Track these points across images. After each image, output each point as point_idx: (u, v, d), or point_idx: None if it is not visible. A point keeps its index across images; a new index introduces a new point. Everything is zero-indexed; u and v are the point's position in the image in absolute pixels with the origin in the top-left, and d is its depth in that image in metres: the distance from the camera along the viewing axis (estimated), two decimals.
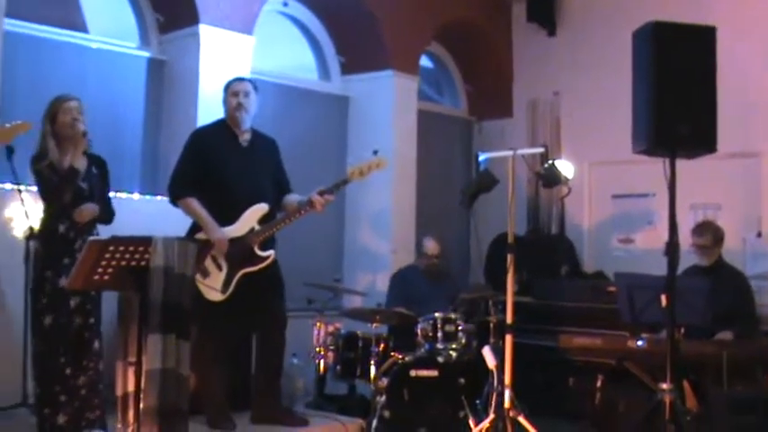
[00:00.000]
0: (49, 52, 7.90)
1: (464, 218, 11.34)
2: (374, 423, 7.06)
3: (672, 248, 5.99)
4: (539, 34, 11.30)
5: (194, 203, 6.62)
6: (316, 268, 9.31)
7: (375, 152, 7.02)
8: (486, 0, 11.31)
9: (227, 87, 6.93)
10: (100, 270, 4.94)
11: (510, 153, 6.94)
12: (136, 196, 7.91)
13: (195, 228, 6.66)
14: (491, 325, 7.77)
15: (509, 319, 6.75)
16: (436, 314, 7.69)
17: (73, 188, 6.01)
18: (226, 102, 6.91)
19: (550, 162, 7.38)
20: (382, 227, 10.00)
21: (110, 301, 6.16)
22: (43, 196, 6.12)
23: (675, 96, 5.85)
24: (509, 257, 6.76)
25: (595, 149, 10.46)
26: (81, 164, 6.13)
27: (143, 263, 5.02)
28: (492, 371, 6.96)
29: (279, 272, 6.88)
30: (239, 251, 6.57)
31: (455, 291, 8.68)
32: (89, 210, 6.05)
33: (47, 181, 6.03)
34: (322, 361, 7.95)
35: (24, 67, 7.66)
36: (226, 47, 8.45)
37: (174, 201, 6.74)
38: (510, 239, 6.81)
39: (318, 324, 7.96)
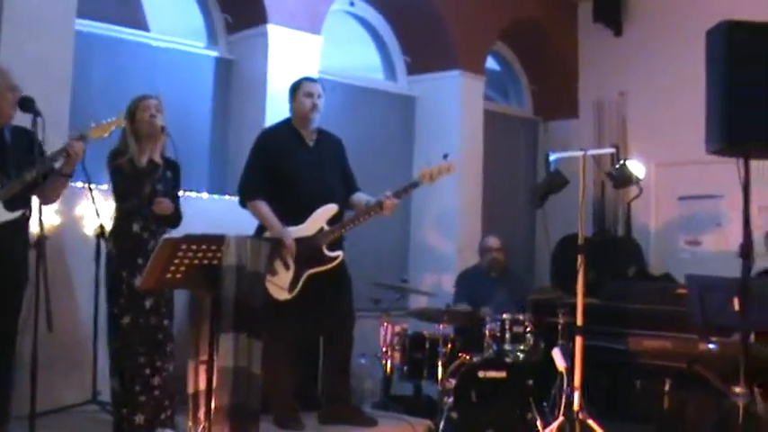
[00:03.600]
0: (118, 52, 7.97)
1: (529, 218, 11.30)
2: (442, 424, 7.04)
3: (746, 250, 5.89)
4: (605, 34, 11.24)
5: (263, 206, 6.62)
6: (382, 268, 9.31)
7: (445, 156, 6.98)
8: (551, 0, 11.24)
9: (298, 87, 6.89)
10: (172, 269, 4.94)
11: (581, 153, 6.89)
12: (204, 195, 7.96)
13: (263, 227, 6.67)
14: (559, 326, 7.70)
15: (579, 321, 6.69)
16: (504, 315, 7.67)
17: (152, 182, 6.05)
18: (294, 101, 6.88)
19: (622, 162, 7.33)
20: (448, 227, 9.97)
21: (179, 300, 6.21)
22: (119, 193, 6.15)
23: (751, 97, 5.75)
24: (580, 258, 6.70)
25: (662, 150, 10.38)
26: (160, 159, 6.17)
27: (215, 261, 5.01)
28: (561, 373, 6.92)
29: (347, 271, 6.86)
30: (307, 251, 6.57)
31: (521, 291, 8.65)
32: (167, 203, 6.09)
33: (126, 176, 6.07)
34: (389, 361, 7.93)
35: (96, 67, 7.74)
36: (294, 46, 8.47)
37: (244, 203, 6.75)
38: (581, 240, 6.76)
39: (385, 324, 7.94)
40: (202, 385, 5.11)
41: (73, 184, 6.70)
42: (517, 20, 10.84)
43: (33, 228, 5.57)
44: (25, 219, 5.62)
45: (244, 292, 5.07)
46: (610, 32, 11.21)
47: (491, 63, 11.27)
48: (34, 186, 5.56)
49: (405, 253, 10.21)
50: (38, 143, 5.46)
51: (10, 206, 5.47)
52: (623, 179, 7.34)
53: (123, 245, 6.05)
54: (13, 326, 5.62)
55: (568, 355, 6.88)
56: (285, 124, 6.96)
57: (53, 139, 5.63)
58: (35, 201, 5.64)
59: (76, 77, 7.16)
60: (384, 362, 7.96)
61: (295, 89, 6.91)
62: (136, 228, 6.05)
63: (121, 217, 6.12)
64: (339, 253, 6.69)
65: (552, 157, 7.41)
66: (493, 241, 8.95)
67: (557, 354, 6.96)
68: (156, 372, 6.02)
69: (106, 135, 5.81)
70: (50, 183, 5.65)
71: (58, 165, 5.61)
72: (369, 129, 9.70)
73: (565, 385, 6.81)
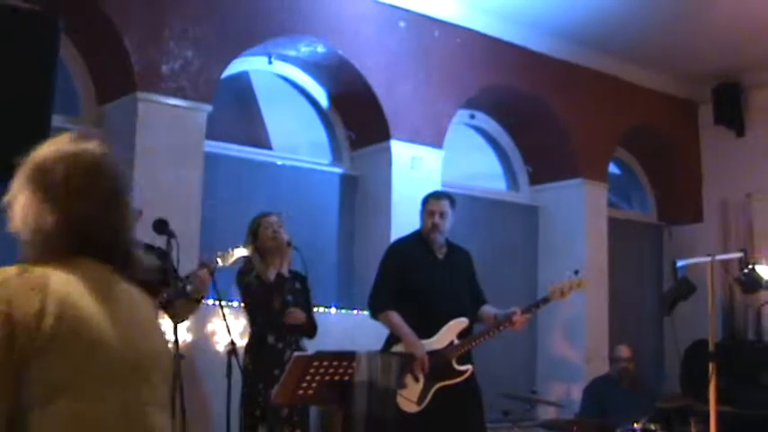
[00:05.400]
0: (243, 170, 8.18)
1: (657, 324, 11.15)
2: None
3: None
4: (727, 136, 11.15)
5: (395, 317, 6.61)
6: (510, 378, 9.26)
7: (576, 272, 6.93)
8: (671, 104, 11.24)
9: (425, 203, 6.93)
10: (305, 385, 5.03)
11: (708, 259, 6.82)
12: (333, 310, 8.04)
13: (392, 340, 6.67)
14: None
15: (713, 430, 6.56)
16: (635, 424, 7.53)
17: (282, 296, 6.18)
18: (423, 215, 6.94)
19: (751, 267, 7.22)
20: (576, 336, 9.89)
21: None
22: (251, 309, 6.31)
23: None
24: (711, 365, 6.58)
25: None
26: (287, 272, 6.30)
27: (347, 377, 5.07)
28: None
29: (477, 385, 6.79)
30: (437, 364, 6.53)
31: (651, 400, 8.51)
32: (298, 313, 6.21)
33: (255, 292, 6.23)
34: None
35: (223, 186, 7.94)
36: (417, 161, 8.59)
37: (375, 315, 6.75)
38: (711, 347, 6.65)
39: None
40: None
41: (204, 301, 6.87)
42: (637, 125, 10.85)
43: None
44: None
45: (375, 408, 5.10)
46: (732, 134, 11.11)
47: (612, 167, 11.23)
48: (164, 308, 5.71)
49: (533, 363, 10.14)
50: (170, 264, 5.62)
51: None
52: (753, 284, 7.22)
53: (259, 357, 6.17)
54: None
55: None
56: (415, 236, 6.96)
57: (186, 258, 5.76)
58: (164, 324, 5.77)
59: (204, 197, 7.37)
60: None
61: (423, 204, 6.93)
62: (271, 340, 6.19)
63: (256, 331, 6.26)
64: (468, 367, 6.64)
65: (679, 264, 7.35)
66: (624, 351, 8.84)
67: None
68: None
69: (231, 264, 5.92)
70: (180, 306, 5.76)
71: (187, 288, 5.73)
72: (492, 239, 9.74)
73: None
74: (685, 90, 11.29)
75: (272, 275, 6.27)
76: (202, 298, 5.93)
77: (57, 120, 5.62)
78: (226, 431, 6.64)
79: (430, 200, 6.92)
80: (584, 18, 9.23)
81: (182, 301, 5.70)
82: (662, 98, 11.12)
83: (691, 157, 11.51)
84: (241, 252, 5.98)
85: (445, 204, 6.87)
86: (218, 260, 5.79)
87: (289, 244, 6.32)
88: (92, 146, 2.34)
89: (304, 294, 6.46)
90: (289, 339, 6.22)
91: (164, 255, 5.68)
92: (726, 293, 10.65)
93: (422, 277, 6.70)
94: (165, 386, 2.34)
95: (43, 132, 4.00)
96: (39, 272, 2.16)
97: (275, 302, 6.19)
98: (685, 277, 7.26)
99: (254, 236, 6.36)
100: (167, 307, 5.70)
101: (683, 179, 11.59)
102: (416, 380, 6.53)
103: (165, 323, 5.74)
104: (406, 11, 8.77)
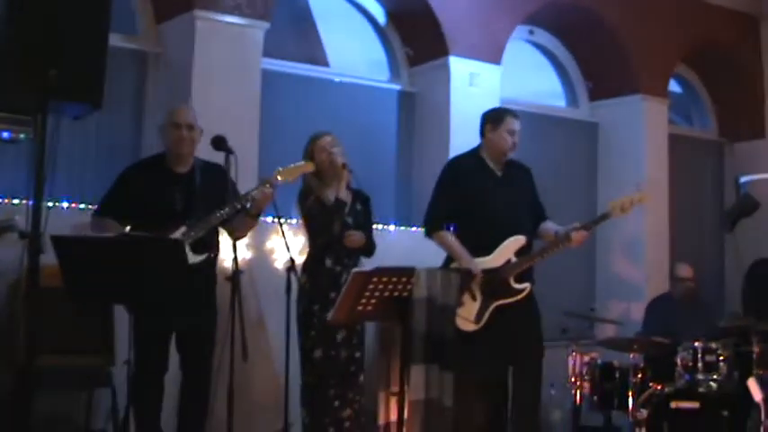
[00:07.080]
0: (301, 88, 8.16)
1: (717, 242, 11.04)
2: None
3: None
4: None
5: (449, 237, 6.52)
6: (569, 296, 9.24)
7: (637, 186, 6.78)
8: (733, 20, 11.01)
9: (501, 121, 6.58)
10: (363, 301, 5.00)
11: None
12: (392, 228, 8.03)
13: (451, 259, 6.62)
14: (754, 355, 7.47)
15: None
16: (696, 343, 7.48)
17: (341, 219, 6.17)
18: (494, 133, 6.58)
19: None
20: (636, 254, 9.84)
21: (369, 332, 6.27)
22: (311, 231, 6.30)
23: None
24: None
25: None
26: (346, 196, 6.28)
27: (406, 293, 5.05)
28: (758, 404, 6.70)
29: (535, 303, 6.66)
30: (494, 282, 6.43)
31: (712, 318, 8.44)
32: (358, 236, 6.21)
33: (316, 216, 6.22)
34: (578, 391, 7.80)
35: (280, 104, 7.92)
36: (475, 77, 8.51)
37: (429, 234, 6.63)
38: None
39: (574, 354, 7.82)
40: (393, 417, 5.15)
41: (263, 218, 6.88)
42: (698, 42, 10.67)
43: (226, 263, 5.72)
44: (211, 260, 5.75)
45: (435, 324, 5.09)
46: None
47: (673, 85, 11.06)
48: (223, 224, 5.71)
49: (592, 281, 10.12)
50: (230, 181, 5.61)
51: (196, 248, 5.58)
52: None
53: (316, 280, 6.18)
54: (210, 359, 5.78)
55: (765, 385, 6.67)
56: (473, 154, 6.76)
57: (244, 176, 5.74)
58: (223, 241, 5.80)
59: (262, 114, 7.36)
60: (573, 392, 7.84)
61: (497, 121, 6.60)
62: (329, 262, 6.19)
63: (314, 253, 6.26)
64: (526, 285, 6.49)
65: (742, 180, 7.24)
66: (685, 270, 8.73)
67: (752, 384, 6.75)
68: (346, 404, 6.10)
69: (292, 179, 5.87)
70: (239, 222, 5.75)
71: (247, 205, 5.72)
72: (551, 156, 9.67)
73: (763, 417, 6.60)
74: (748, 4, 11.06)
75: (331, 198, 6.27)
76: (259, 215, 5.93)
77: (114, 38, 5.60)
78: (285, 347, 6.71)
79: (510, 119, 6.60)
80: None
81: (241, 217, 5.71)
82: (724, 12, 10.90)
83: (753, 73, 11.30)
84: (302, 168, 5.95)
85: (519, 123, 6.69)
86: (278, 176, 5.76)
87: (344, 167, 6.28)
88: None
89: (365, 215, 6.44)
90: (347, 262, 6.22)
91: (223, 172, 5.68)
92: None
93: (480, 195, 6.55)
94: None
95: (101, 52, 3.99)
96: None
97: (335, 226, 6.19)
98: (748, 193, 7.16)
99: (311, 159, 6.30)
100: (226, 223, 5.72)
101: (745, 95, 11.38)
102: (473, 298, 6.47)
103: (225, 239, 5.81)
104: None
